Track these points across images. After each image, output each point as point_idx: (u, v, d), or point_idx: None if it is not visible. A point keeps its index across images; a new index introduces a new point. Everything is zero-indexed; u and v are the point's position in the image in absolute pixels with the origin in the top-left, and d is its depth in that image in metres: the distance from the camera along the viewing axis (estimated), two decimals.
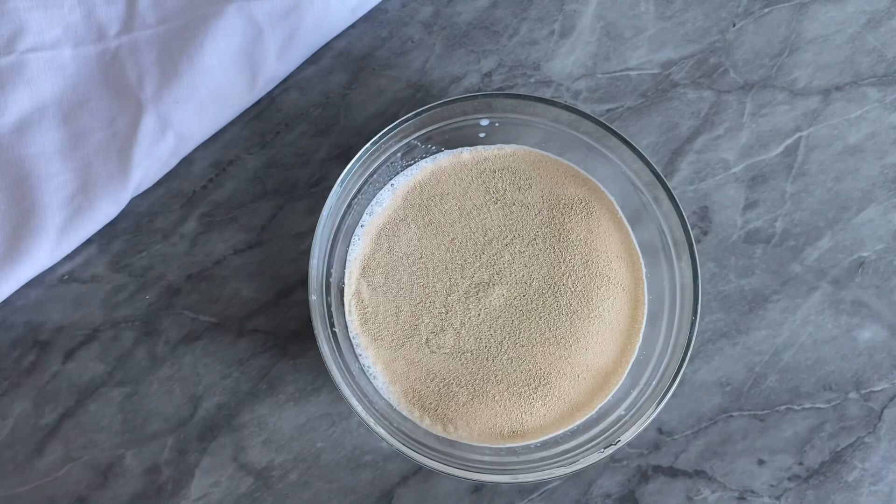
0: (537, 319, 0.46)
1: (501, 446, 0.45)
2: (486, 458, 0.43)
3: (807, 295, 0.50)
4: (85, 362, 0.49)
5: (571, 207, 0.47)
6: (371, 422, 0.41)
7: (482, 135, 0.48)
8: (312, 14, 0.50)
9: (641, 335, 0.46)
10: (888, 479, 0.49)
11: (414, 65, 0.52)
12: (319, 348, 0.42)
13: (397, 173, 0.47)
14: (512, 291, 0.46)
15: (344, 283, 0.46)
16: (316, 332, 0.42)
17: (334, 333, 0.44)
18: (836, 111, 0.52)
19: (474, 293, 0.46)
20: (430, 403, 0.45)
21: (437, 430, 0.45)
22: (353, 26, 0.52)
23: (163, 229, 0.50)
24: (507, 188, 0.48)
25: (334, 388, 0.41)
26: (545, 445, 0.44)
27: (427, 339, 0.45)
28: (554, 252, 0.46)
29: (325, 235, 0.44)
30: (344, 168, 0.44)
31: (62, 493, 0.47)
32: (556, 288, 0.46)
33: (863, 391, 0.49)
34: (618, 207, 0.47)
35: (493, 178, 0.48)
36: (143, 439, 0.48)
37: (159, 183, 0.50)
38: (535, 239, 0.47)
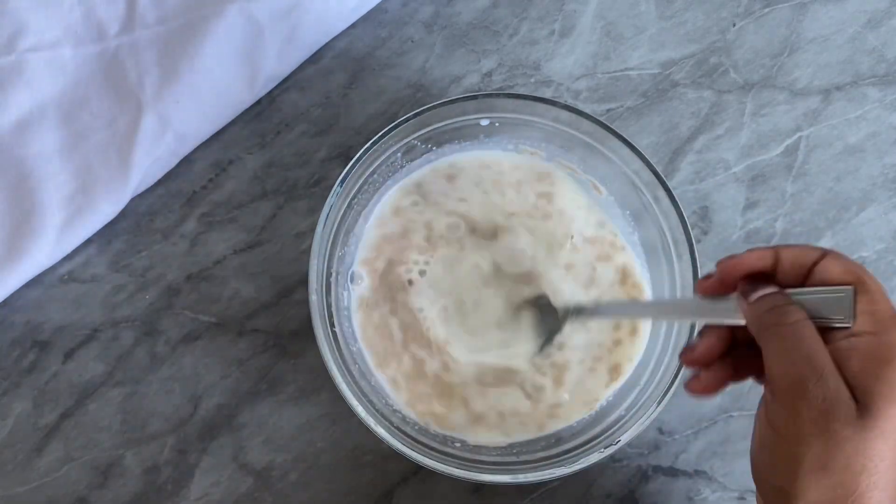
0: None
1: (501, 445, 0.45)
2: (486, 458, 0.43)
3: None
4: (85, 362, 0.48)
5: (570, 208, 0.47)
6: (371, 422, 0.41)
7: (482, 135, 0.47)
8: (312, 14, 0.50)
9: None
10: None
11: (414, 65, 0.52)
12: (319, 348, 0.41)
13: (397, 173, 0.47)
14: (511, 290, 0.46)
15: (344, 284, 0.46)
16: (316, 332, 0.42)
17: (334, 333, 0.44)
18: (836, 111, 0.52)
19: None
20: (430, 403, 0.45)
21: (437, 430, 0.45)
22: (353, 26, 0.52)
23: (163, 229, 0.50)
24: (507, 188, 0.48)
25: (334, 388, 0.41)
26: (545, 445, 0.44)
27: (426, 339, 0.45)
28: (553, 252, 0.46)
29: (325, 235, 0.44)
30: (344, 168, 0.44)
31: (62, 493, 0.47)
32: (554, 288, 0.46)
33: None
34: (618, 207, 0.47)
35: (493, 177, 0.48)
36: (143, 439, 0.48)
37: (159, 183, 0.50)
38: (536, 239, 0.47)
